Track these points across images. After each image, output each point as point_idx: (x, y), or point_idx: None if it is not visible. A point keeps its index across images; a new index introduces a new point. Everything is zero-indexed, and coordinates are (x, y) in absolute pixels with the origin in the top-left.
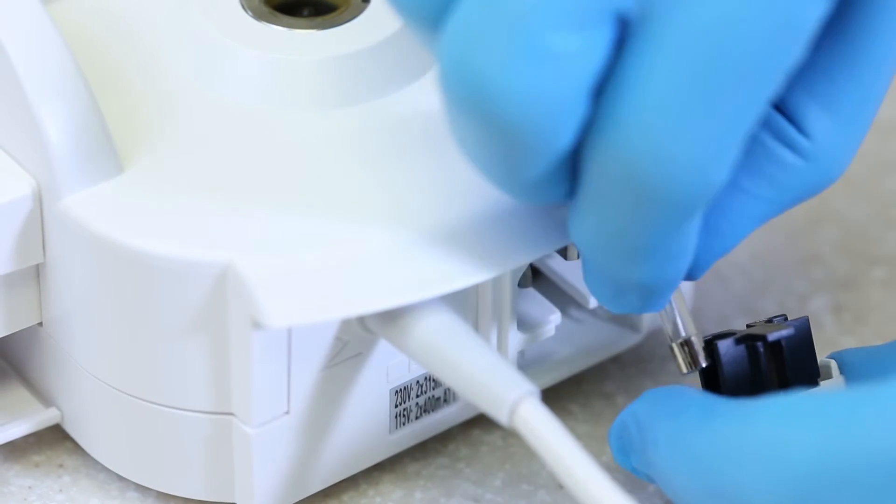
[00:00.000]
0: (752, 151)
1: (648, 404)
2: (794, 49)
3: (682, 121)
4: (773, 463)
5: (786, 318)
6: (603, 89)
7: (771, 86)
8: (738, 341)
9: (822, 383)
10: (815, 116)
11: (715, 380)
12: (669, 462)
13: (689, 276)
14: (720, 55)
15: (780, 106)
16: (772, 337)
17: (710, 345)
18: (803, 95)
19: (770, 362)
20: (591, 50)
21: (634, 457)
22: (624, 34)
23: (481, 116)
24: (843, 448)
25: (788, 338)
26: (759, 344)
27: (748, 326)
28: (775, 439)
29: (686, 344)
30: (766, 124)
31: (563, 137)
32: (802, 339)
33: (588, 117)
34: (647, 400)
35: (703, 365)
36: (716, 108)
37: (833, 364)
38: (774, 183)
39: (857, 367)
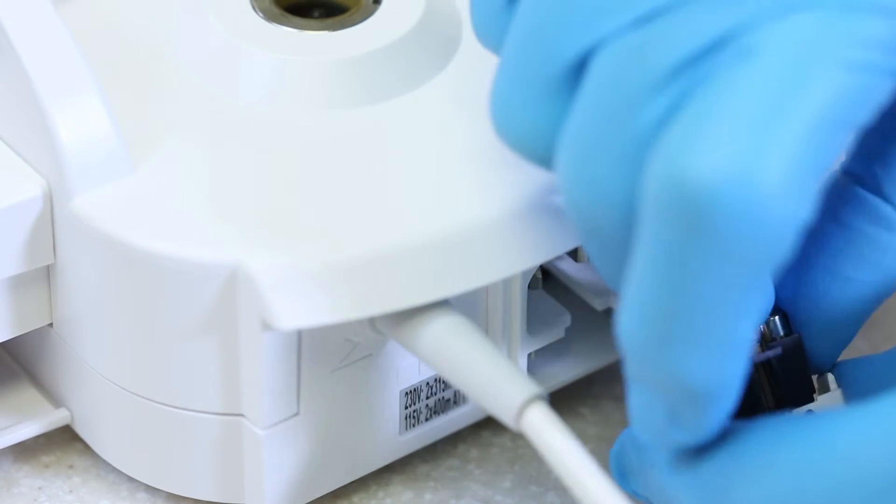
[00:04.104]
0: (851, 240)
1: None
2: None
3: (758, 132)
4: (764, 482)
5: (787, 325)
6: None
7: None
8: None
9: (820, 398)
10: None
11: None
12: (667, 484)
13: (819, 369)
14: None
15: (870, 187)
16: (759, 358)
17: None
18: (892, 172)
19: (763, 382)
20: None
21: (634, 480)
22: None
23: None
24: (828, 467)
25: (778, 357)
26: (749, 366)
27: None
28: (765, 459)
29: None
30: (860, 210)
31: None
32: (794, 357)
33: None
34: None
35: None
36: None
37: (829, 377)
38: (880, 267)
39: (853, 379)
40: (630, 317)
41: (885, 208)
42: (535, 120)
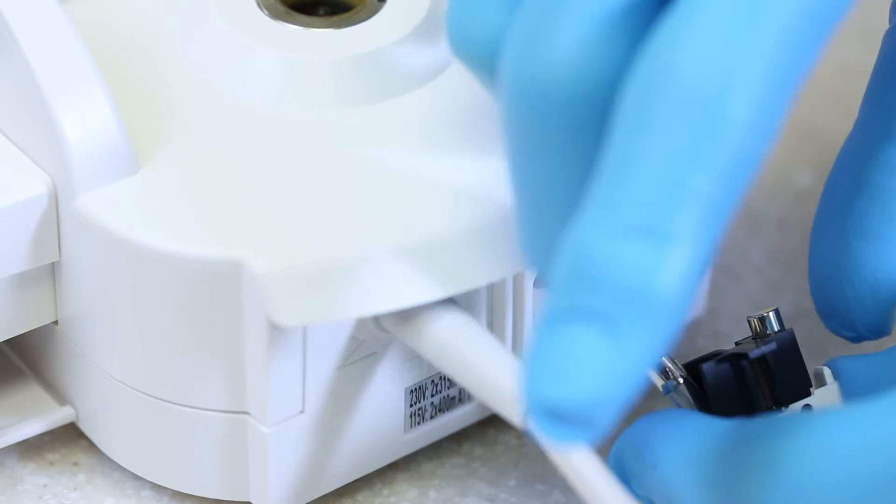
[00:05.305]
0: (873, 196)
1: (645, 428)
2: None
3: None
4: (765, 481)
5: (779, 322)
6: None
7: None
8: (721, 361)
9: (816, 391)
10: None
11: (705, 401)
12: (669, 484)
13: (878, 333)
14: None
15: (884, 139)
16: (754, 354)
17: (695, 368)
18: None
19: (759, 378)
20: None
21: (634, 481)
22: None
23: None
24: (829, 466)
25: (773, 352)
26: (744, 362)
27: (736, 344)
28: (766, 458)
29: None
30: (876, 163)
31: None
32: (788, 352)
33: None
34: (644, 424)
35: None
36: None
37: (827, 371)
38: None
39: (851, 374)
40: (598, 209)
41: None
42: (486, 25)
